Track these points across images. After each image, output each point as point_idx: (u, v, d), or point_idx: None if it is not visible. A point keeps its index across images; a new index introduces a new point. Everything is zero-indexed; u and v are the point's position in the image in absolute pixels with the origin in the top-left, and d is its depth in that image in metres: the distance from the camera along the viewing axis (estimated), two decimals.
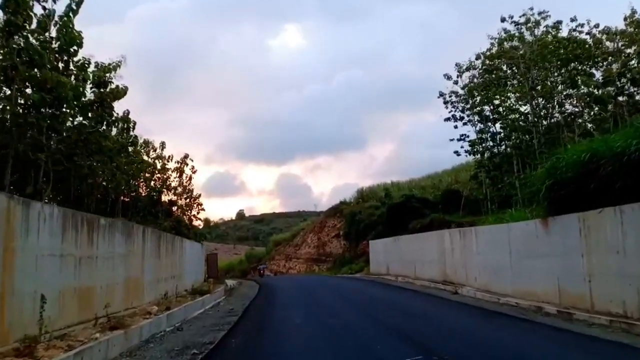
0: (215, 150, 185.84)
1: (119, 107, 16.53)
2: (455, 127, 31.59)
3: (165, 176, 31.11)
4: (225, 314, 12.01)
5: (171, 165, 32.09)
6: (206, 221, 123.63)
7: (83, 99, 15.52)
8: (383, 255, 27.51)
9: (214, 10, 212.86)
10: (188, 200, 33.32)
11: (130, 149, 23.68)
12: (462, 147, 31.54)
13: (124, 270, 10.62)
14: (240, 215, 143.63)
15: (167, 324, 9.81)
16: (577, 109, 23.98)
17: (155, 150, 31.68)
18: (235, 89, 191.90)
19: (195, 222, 36.42)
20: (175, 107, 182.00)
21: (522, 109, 28.32)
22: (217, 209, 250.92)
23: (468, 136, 31.51)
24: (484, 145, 31.37)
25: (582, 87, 23.11)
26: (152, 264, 13.02)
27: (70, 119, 15.72)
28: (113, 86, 16.64)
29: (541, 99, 25.63)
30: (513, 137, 26.81)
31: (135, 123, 23.17)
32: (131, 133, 23.02)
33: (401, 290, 17.44)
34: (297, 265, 50.06)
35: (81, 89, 15.55)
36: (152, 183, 30.03)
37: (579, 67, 23.81)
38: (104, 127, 17.29)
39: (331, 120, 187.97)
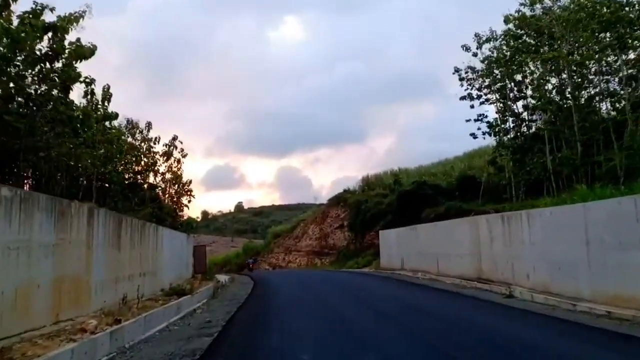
0: (215, 143, 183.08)
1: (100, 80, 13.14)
2: (472, 106, 28.37)
3: (151, 160, 27.90)
4: (197, 329, 8.64)
5: (158, 148, 29.03)
6: (204, 213, 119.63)
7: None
8: (396, 247, 24.25)
9: (214, 2, 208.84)
10: (177, 187, 30.11)
11: (106, 124, 20.51)
12: (479, 128, 28.34)
13: (51, 267, 7.33)
14: (239, 207, 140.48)
15: (104, 352, 6.50)
16: (631, 73, 20.53)
17: (141, 132, 28.50)
18: (235, 81, 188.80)
19: (187, 211, 33.35)
20: (175, 100, 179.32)
21: (553, 81, 25.03)
22: (216, 202, 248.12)
23: (486, 116, 28.27)
24: (506, 124, 28.09)
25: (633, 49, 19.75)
26: (107, 258, 9.71)
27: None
28: (72, 38, 13.27)
29: (578, 68, 22.24)
30: (548, 112, 23.42)
31: (111, 95, 20.02)
32: (108, 107, 19.95)
33: (431, 291, 14.09)
34: (297, 259, 46.84)
35: (23, 33, 12.30)
36: (137, 168, 26.86)
37: (626, 30, 20.44)
38: (60, 90, 14.07)
39: (331, 112, 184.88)
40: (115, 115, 20.29)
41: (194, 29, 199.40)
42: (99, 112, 19.60)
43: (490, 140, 29.37)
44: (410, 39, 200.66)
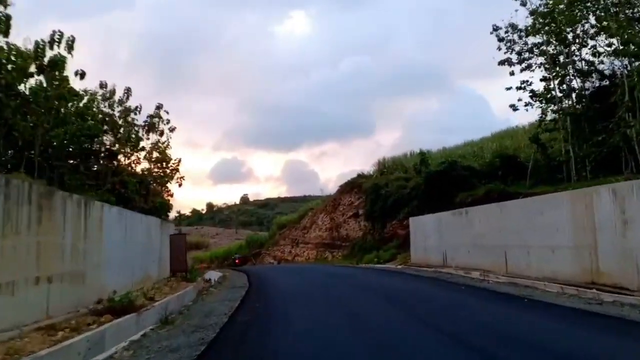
0: (222, 136, 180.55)
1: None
2: (512, 73, 23.41)
3: (130, 134, 22.82)
4: None
5: (139, 118, 23.99)
6: (209, 206, 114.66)
7: None
8: (436, 237, 18.98)
9: None
10: (162, 165, 24.97)
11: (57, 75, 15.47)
12: (519, 99, 23.32)
13: None
14: (245, 199, 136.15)
15: None
16: None
17: (121, 102, 23.38)
18: (242, 75, 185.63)
19: (176, 199, 28.48)
20: (183, 94, 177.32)
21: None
22: (224, 196, 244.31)
23: (531, 83, 23.04)
24: (561, 89, 22.67)
25: None
26: None
27: None
28: None
29: None
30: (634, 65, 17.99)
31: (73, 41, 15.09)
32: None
33: (545, 308, 8.46)
34: (305, 252, 41.70)
35: None
36: (111, 140, 21.85)
37: None
38: None
39: (338, 106, 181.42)
40: (62, 61, 15.13)
41: (201, 24, 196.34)
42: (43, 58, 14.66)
43: (528, 116, 24.05)
44: (417, 32, 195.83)
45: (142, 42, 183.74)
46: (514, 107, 24.21)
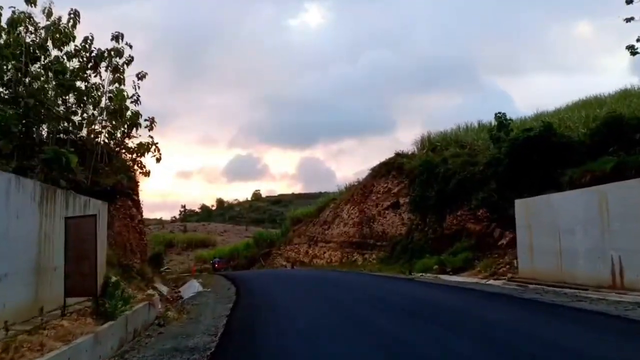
0: (238, 133, 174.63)
1: None
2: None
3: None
4: None
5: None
6: (219, 202, 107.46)
7: None
8: (592, 232, 10.05)
9: None
10: (118, 119, 16.69)
11: None
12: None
13: None
14: (257, 195, 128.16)
15: None
16: None
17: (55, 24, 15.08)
18: (258, 70, 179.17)
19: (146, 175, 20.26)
20: (198, 89, 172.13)
21: None
22: (238, 194, 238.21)
23: None
24: None
25: None
26: None
27: None
28: None
29: None
30: None
31: None
32: None
33: None
34: (326, 253, 33.08)
35: None
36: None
37: None
38: None
39: (356, 102, 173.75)
40: None
41: (216, 16, 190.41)
42: None
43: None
44: (439, 24, 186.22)
45: (157, 35, 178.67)
46: (632, 50, 15.85)
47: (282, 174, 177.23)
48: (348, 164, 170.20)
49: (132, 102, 19.26)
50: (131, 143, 19.14)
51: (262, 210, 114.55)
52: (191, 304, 9.81)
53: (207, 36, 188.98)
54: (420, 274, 18.08)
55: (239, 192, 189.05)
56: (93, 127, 15.65)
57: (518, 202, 13.18)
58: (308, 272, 24.64)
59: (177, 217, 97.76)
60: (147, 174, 21.33)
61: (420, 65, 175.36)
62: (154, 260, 49.03)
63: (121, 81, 16.61)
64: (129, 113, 16.01)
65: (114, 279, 9.10)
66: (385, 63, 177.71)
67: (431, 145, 26.29)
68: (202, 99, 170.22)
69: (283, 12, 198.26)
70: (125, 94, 16.35)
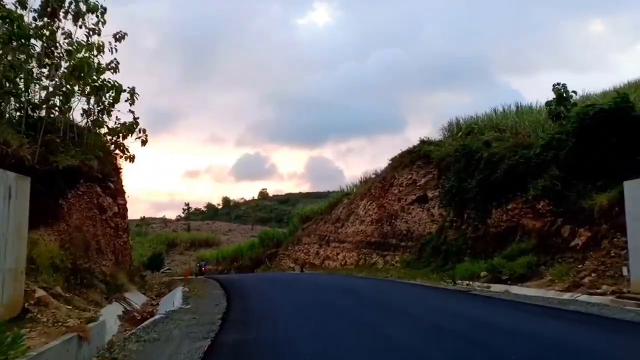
0: (245, 132, 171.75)
1: None
2: None
3: None
4: None
5: None
6: (225, 200, 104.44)
7: None
8: None
9: None
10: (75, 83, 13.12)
11: None
12: None
13: None
14: (263, 194, 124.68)
15: None
16: None
17: None
18: (266, 68, 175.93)
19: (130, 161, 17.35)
20: (206, 88, 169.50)
21: None
22: (246, 193, 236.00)
23: None
24: None
25: None
26: None
27: None
28: None
29: None
30: None
31: None
32: None
33: None
34: (340, 254, 29.33)
35: None
36: None
37: None
38: None
39: (366, 101, 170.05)
40: None
41: (224, 15, 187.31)
42: None
43: None
44: (451, 21, 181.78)
45: (164, 34, 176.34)
46: None
47: (290, 173, 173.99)
48: (357, 163, 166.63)
49: (109, 71, 15.81)
50: (112, 123, 15.82)
51: (269, 209, 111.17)
52: (144, 337, 6.19)
53: (215, 35, 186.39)
54: (466, 282, 14.29)
55: (247, 191, 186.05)
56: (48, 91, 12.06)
57: (629, 185, 9.34)
58: (323, 277, 20.85)
59: (181, 215, 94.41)
60: (131, 159, 17.89)
61: (430, 63, 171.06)
62: (153, 261, 45.78)
63: (92, 46, 13.08)
64: (106, 83, 12.50)
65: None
66: (396, 61, 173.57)
67: (467, 128, 22.41)
68: (210, 97, 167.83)
69: (291, 11, 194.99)
70: (93, 50, 12.81)
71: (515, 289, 12.23)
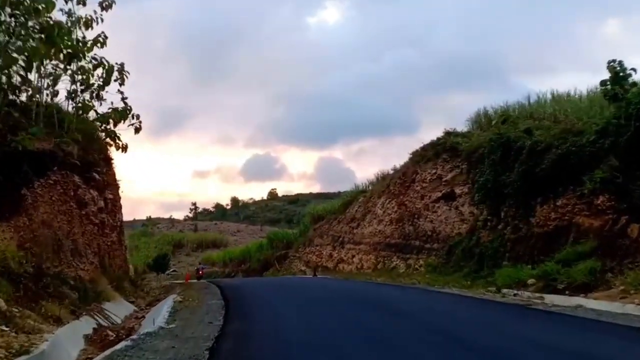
0: (255, 132, 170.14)
1: None
2: None
3: None
4: None
5: None
6: (234, 200, 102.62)
7: None
8: None
9: None
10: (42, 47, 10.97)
11: None
12: None
13: None
14: (273, 194, 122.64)
15: None
16: None
17: None
18: (277, 69, 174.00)
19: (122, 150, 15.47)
20: (216, 88, 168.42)
21: None
22: (254, 193, 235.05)
23: None
24: None
25: None
26: None
27: None
28: None
29: None
30: None
31: None
32: None
33: None
34: (356, 256, 27.10)
35: None
36: None
37: None
38: None
39: (379, 101, 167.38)
40: None
41: (234, 14, 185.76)
42: None
43: None
44: (464, 22, 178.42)
45: (174, 35, 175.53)
46: None
47: (300, 174, 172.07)
48: (368, 164, 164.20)
49: (96, 45, 13.90)
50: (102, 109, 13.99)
51: (279, 210, 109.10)
52: None
53: (224, 35, 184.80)
54: (514, 292, 11.99)
55: (256, 192, 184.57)
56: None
57: None
58: (340, 284, 18.58)
59: (189, 215, 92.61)
60: (123, 148, 15.98)
61: (445, 63, 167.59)
62: (158, 263, 43.71)
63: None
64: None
65: None
66: (409, 61, 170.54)
67: (501, 116, 20.04)
68: (220, 98, 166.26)
69: (303, 11, 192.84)
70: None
71: (582, 301, 9.95)
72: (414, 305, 10.51)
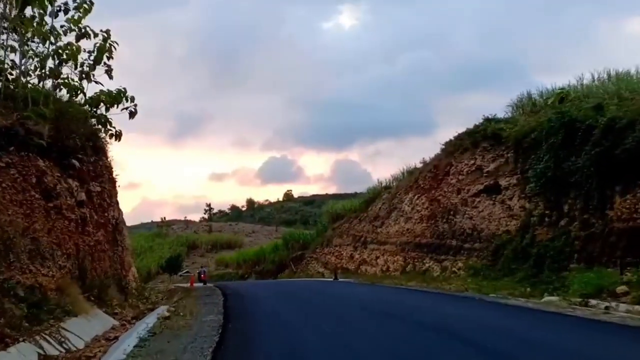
0: (273, 135, 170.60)
1: None
2: None
3: None
4: None
5: None
6: (249, 202, 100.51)
7: None
8: None
9: None
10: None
11: None
12: None
13: None
14: (288, 195, 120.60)
15: None
16: None
17: None
18: (293, 72, 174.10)
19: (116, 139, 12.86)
20: (234, 92, 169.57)
21: None
22: (270, 196, 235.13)
23: None
24: None
25: None
26: None
27: None
28: None
29: None
30: None
31: None
32: None
33: None
34: (380, 258, 24.43)
35: None
36: None
37: None
38: None
39: (395, 103, 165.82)
40: None
41: (251, 19, 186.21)
42: None
43: None
44: (481, 23, 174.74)
45: (192, 40, 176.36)
46: None
47: (316, 176, 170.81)
48: (384, 166, 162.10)
49: (78, 11, 11.58)
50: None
51: (294, 211, 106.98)
52: None
53: (241, 39, 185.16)
54: (604, 304, 9.23)
55: (273, 194, 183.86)
56: None
57: None
58: (366, 290, 15.89)
59: (205, 217, 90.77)
60: (117, 136, 13.74)
61: (462, 64, 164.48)
62: (170, 264, 41.57)
63: None
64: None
65: None
66: (426, 63, 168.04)
67: (558, 95, 17.15)
68: (237, 102, 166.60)
69: (318, 15, 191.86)
70: None
71: None
72: (470, 325, 7.81)
